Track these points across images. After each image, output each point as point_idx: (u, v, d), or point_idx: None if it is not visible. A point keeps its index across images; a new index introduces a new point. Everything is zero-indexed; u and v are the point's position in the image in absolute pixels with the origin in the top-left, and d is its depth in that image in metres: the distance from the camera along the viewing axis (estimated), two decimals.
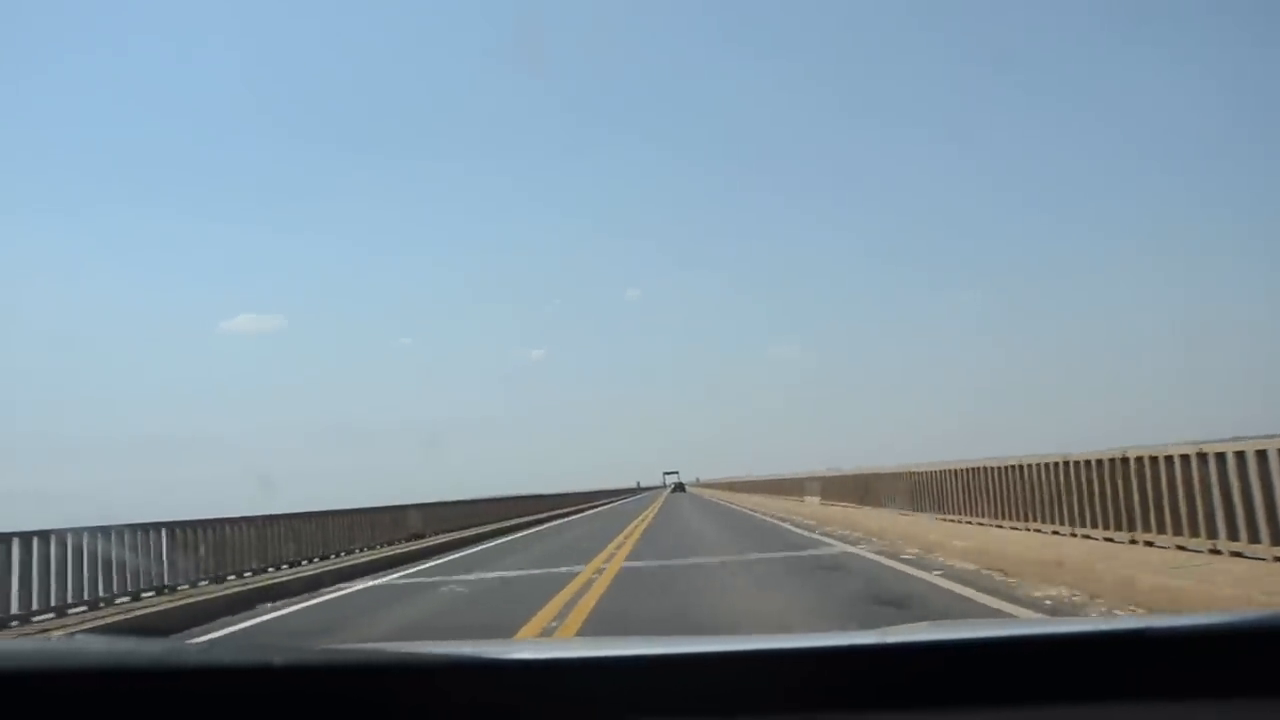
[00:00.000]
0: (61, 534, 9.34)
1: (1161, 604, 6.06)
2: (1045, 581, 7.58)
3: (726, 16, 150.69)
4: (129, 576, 10.12)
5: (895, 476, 18.77)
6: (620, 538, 18.34)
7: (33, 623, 8.47)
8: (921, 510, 15.79)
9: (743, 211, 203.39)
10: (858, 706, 1.02)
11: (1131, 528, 8.71)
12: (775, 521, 21.26)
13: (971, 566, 9.07)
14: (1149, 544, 8.33)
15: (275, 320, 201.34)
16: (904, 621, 5.66)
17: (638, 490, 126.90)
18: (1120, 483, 8.89)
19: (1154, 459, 8.42)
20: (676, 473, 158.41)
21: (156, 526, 10.82)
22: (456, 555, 16.64)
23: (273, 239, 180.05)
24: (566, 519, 32.32)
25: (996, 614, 6.50)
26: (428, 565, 14.67)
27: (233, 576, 12.03)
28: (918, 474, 16.72)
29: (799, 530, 17.22)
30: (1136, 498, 8.54)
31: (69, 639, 1.23)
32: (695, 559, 12.42)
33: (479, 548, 18.54)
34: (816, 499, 27.73)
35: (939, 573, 8.88)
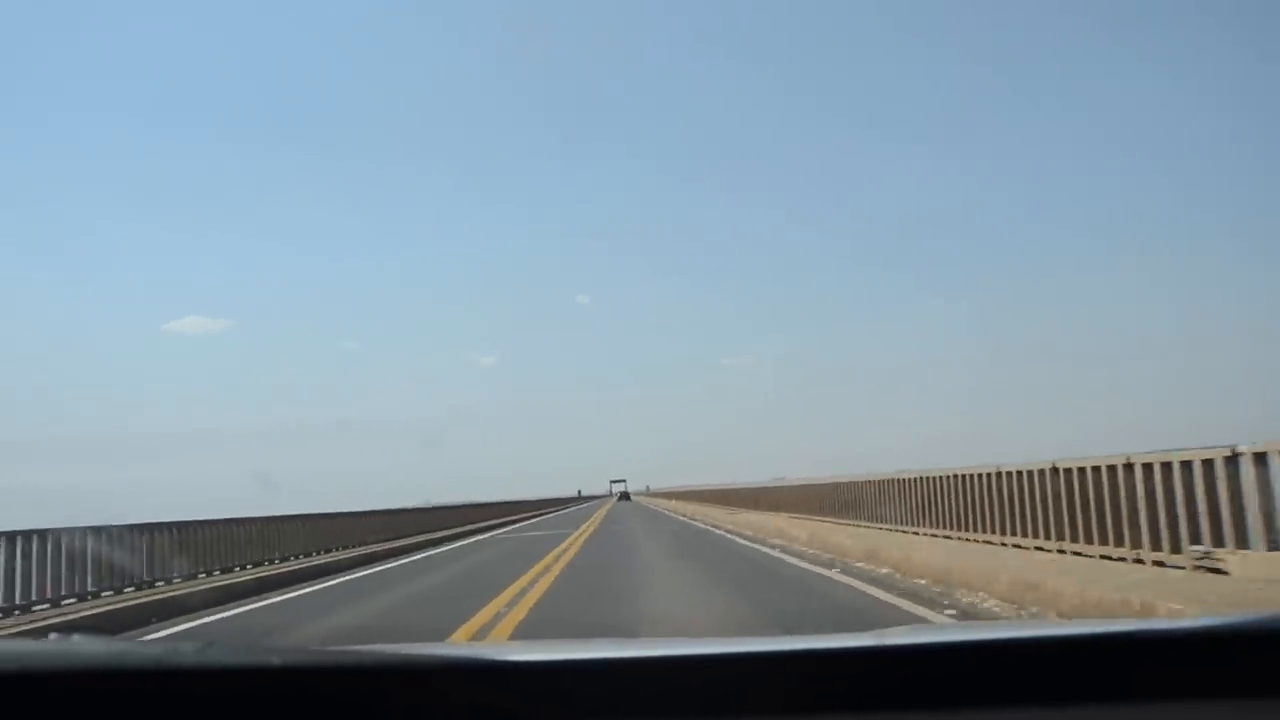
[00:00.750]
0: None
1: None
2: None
3: (698, 18, 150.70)
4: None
5: None
6: None
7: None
8: None
9: (712, 215, 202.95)
10: (856, 708, 1.03)
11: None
12: None
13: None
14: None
15: (222, 323, 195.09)
16: None
17: (578, 500, 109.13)
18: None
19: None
20: (624, 481, 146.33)
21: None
22: None
23: (220, 241, 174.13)
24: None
25: None
26: None
27: None
28: None
29: None
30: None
31: (66, 639, 1.30)
32: None
33: None
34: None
35: None
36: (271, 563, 14.95)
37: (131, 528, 11.06)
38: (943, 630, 1.67)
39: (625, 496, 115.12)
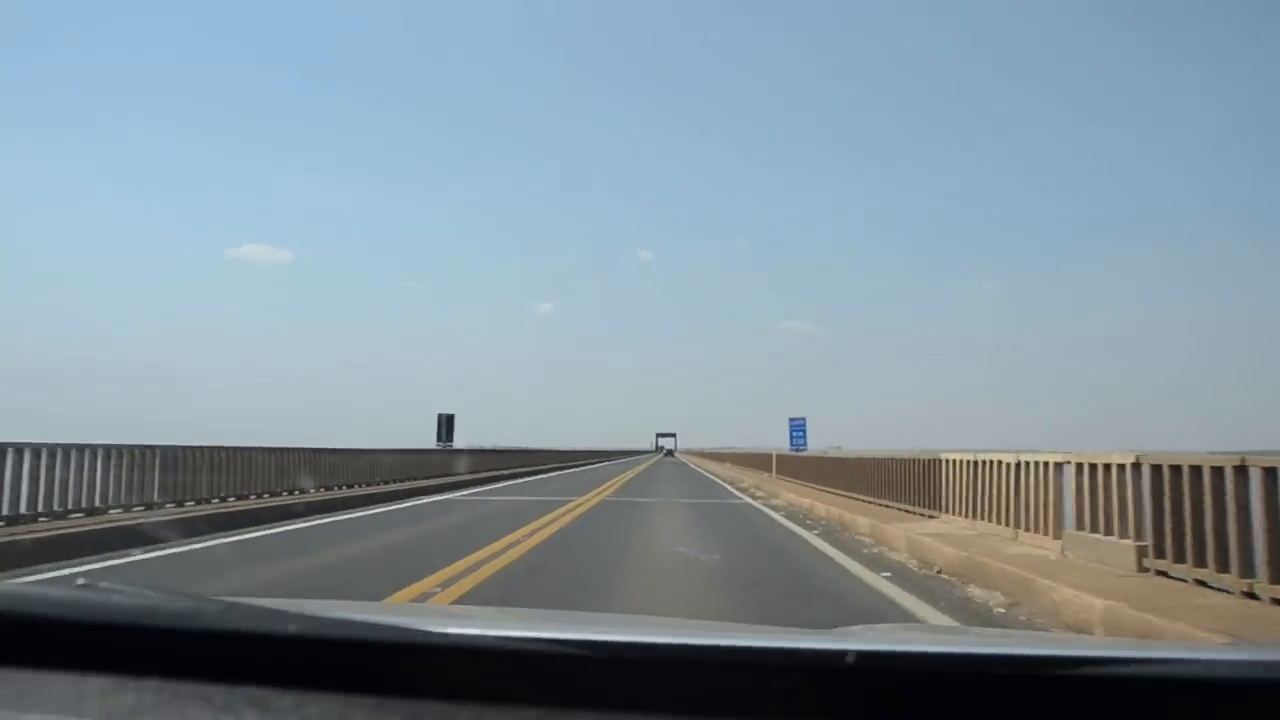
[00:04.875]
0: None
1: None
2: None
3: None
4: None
5: None
6: None
7: None
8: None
9: (767, 188, 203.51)
10: (854, 711, 1.00)
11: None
12: None
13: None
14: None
15: (282, 253, 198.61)
16: None
17: (569, 459, 53.94)
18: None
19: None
20: (673, 435, 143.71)
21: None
22: None
23: (288, 174, 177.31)
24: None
25: None
26: None
27: None
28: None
29: None
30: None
31: (95, 587, 1.19)
32: None
33: None
34: None
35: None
36: None
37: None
38: (941, 632, 1.63)
39: (669, 453, 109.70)
